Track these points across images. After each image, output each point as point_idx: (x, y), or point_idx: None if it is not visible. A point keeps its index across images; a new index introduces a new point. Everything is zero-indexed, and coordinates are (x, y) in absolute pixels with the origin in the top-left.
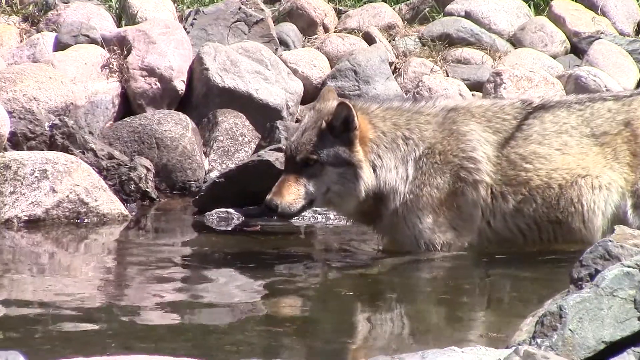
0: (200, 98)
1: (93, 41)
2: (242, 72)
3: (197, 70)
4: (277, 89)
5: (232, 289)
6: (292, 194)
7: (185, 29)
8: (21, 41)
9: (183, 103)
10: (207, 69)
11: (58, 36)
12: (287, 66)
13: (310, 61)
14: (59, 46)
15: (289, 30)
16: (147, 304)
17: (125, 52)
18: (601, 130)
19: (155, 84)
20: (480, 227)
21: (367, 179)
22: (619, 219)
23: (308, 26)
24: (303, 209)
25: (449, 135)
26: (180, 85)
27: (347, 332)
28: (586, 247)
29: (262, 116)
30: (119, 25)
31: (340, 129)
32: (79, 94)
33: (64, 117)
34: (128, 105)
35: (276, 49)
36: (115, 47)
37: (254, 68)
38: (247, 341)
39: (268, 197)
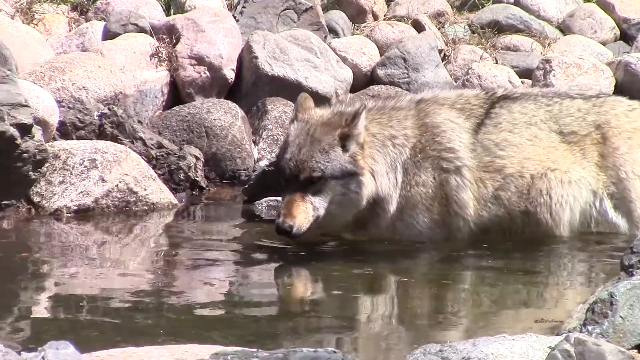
0: (250, 86)
1: (142, 30)
2: (292, 60)
3: (246, 59)
4: (326, 77)
5: (283, 276)
6: (302, 213)
7: (235, 17)
8: (70, 30)
9: (232, 92)
10: (256, 57)
11: (107, 25)
12: (337, 54)
13: (360, 49)
14: (108, 35)
15: (338, 18)
16: (197, 293)
17: (174, 41)
18: (570, 129)
19: (205, 73)
20: (471, 214)
21: (369, 186)
22: (595, 217)
23: (357, 14)
24: (311, 226)
25: (425, 130)
26: (230, 74)
27: (398, 320)
28: (552, 240)
29: None
30: (167, 14)
31: (356, 137)
32: (127, 83)
33: (113, 106)
34: (177, 94)
35: (325, 37)
36: (164, 36)
37: (303, 56)
38: (298, 328)
39: (279, 219)
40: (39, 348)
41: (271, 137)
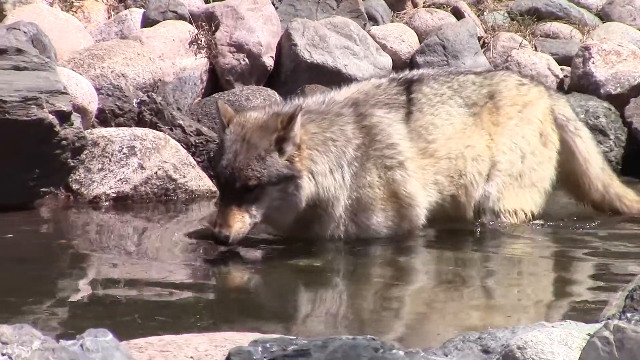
0: (289, 74)
1: (181, 17)
2: (331, 48)
3: (285, 46)
4: (365, 64)
5: (326, 264)
6: (239, 222)
7: (274, 5)
8: (109, 17)
9: (271, 79)
10: (295, 45)
11: (146, 12)
12: (376, 41)
13: (399, 36)
14: (147, 22)
15: (378, 5)
16: (236, 281)
17: (214, 28)
18: (471, 101)
19: (244, 60)
20: (423, 199)
21: (307, 189)
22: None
23: (397, 1)
24: (249, 232)
25: (367, 133)
26: (269, 61)
27: (438, 309)
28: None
29: None
30: (206, 1)
31: (293, 139)
32: (167, 70)
33: (152, 94)
34: (216, 81)
35: (365, 24)
36: (203, 23)
37: (342, 43)
38: (336, 315)
39: (215, 229)
40: (78, 335)
41: None
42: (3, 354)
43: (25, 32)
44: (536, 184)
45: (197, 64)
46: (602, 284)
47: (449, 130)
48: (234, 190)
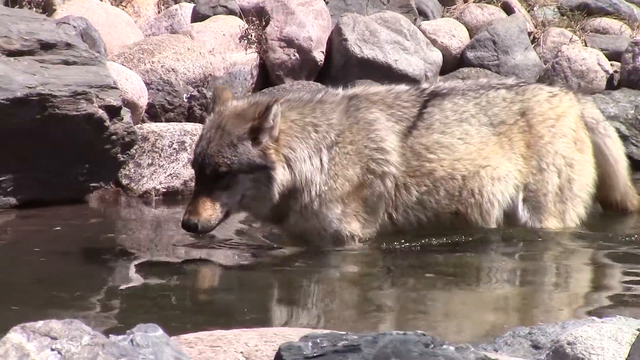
0: (339, 69)
1: (231, 12)
2: (381, 43)
3: (335, 41)
4: (416, 59)
5: (378, 261)
6: (209, 209)
7: (325, 0)
8: (159, 12)
9: (322, 74)
10: (345, 40)
11: (196, 7)
12: (426, 36)
13: (450, 31)
14: (197, 17)
15: (428, 0)
16: (285, 276)
17: (264, 23)
18: (499, 120)
19: (294, 55)
20: (381, 219)
21: (281, 179)
22: (508, 211)
23: None
24: (221, 221)
25: (355, 122)
26: (319, 56)
27: (488, 305)
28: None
29: None
30: None
31: (269, 131)
32: (217, 65)
33: (202, 89)
34: (266, 76)
35: (415, 19)
36: (253, 18)
37: (392, 38)
38: (382, 309)
39: (185, 217)
40: (127, 331)
41: None
42: (52, 349)
43: (74, 27)
44: (579, 193)
45: (247, 59)
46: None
47: (460, 151)
48: (205, 177)
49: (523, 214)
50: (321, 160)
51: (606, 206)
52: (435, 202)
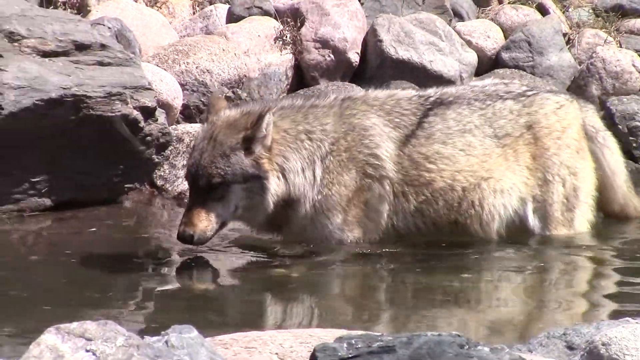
0: (374, 70)
1: (266, 13)
2: (416, 44)
3: (371, 42)
4: (451, 60)
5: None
6: (204, 221)
7: (360, 1)
8: (194, 13)
9: (357, 75)
10: (381, 41)
11: (231, 8)
12: (461, 37)
13: (485, 32)
14: (232, 18)
15: (463, 1)
16: (321, 277)
17: (299, 24)
18: (504, 132)
19: (329, 56)
20: (384, 222)
21: (275, 189)
22: (515, 223)
23: None
24: (217, 231)
25: (351, 129)
26: (355, 57)
27: (521, 307)
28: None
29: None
30: None
31: (261, 140)
32: (252, 65)
33: (237, 90)
34: (301, 77)
35: (450, 21)
36: (288, 19)
37: (427, 39)
38: (421, 311)
39: (180, 228)
40: (162, 332)
41: None
42: (87, 350)
43: (109, 28)
44: (585, 200)
45: (282, 60)
46: None
47: (461, 162)
48: (199, 188)
49: (534, 224)
50: (314, 173)
51: (607, 214)
52: (434, 211)
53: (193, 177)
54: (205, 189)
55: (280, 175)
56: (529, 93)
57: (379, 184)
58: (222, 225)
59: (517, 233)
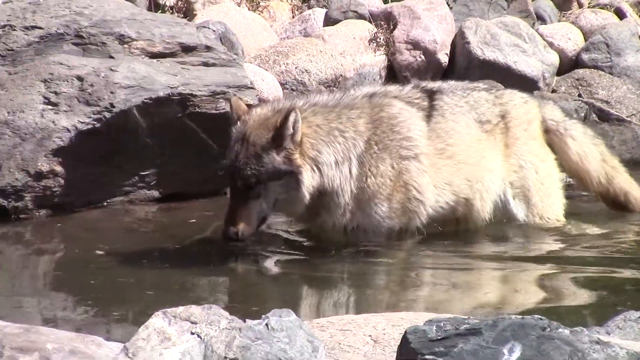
0: (462, 70)
1: (361, 17)
2: (502, 45)
3: (459, 44)
4: (534, 61)
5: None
6: (245, 218)
7: (448, 5)
8: (293, 17)
9: (446, 75)
10: (468, 43)
11: (328, 12)
12: (544, 39)
13: (565, 35)
14: (329, 21)
15: (546, 5)
16: (407, 269)
17: (392, 27)
18: (485, 118)
19: (420, 57)
20: (432, 197)
21: (310, 182)
22: (500, 208)
23: (563, 2)
24: (259, 227)
25: (381, 124)
26: (444, 58)
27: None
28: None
29: (520, 86)
30: (385, 1)
31: (290, 137)
32: (347, 66)
33: (334, 89)
34: (394, 77)
35: (533, 24)
36: (381, 22)
37: (512, 41)
38: (504, 297)
39: (225, 228)
40: (263, 315)
41: None
42: (192, 333)
43: (214, 31)
44: (557, 187)
45: (376, 61)
46: None
47: (468, 139)
48: (238, 188)
49: (517, 210)
50: (350, 170)
51: (605, 202)
52: (457, 184)
53: (231, 177)
54: (244, 189)
55: (315, 168)
56: (498, 88)
57: (415, 161)
58: (264, 220)
59: (502, 219)
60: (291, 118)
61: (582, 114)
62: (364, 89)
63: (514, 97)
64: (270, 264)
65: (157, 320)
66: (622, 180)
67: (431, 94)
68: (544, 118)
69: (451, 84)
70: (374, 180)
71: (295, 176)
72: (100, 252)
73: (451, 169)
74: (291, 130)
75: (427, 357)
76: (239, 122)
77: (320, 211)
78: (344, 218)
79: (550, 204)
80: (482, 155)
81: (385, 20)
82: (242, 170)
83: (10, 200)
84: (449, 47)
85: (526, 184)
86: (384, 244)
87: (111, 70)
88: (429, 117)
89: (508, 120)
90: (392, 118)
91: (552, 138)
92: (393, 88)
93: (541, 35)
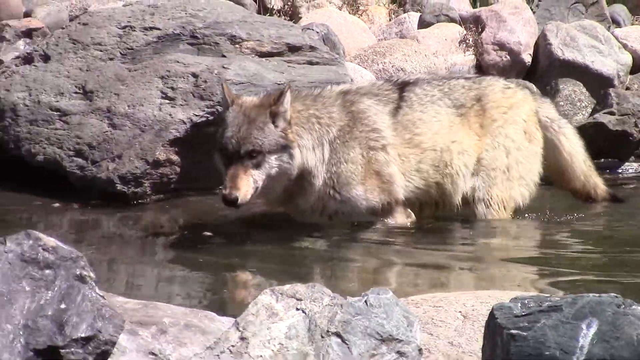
0: (544, 69)
1: (452, 20)
2: (580, 47)
3: (541, 45)
4: (609, 61)
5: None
6: (245, 185)
7: (532, 10)
8: (390, 20)
9: (529, 74)
10: (550, 44)
11: (422, 16)
12: (618, 41)
13: (638, 37)
14: (423, 24)
15: (620, 10)
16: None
17: (480, 29)
18: (459, 103)
19: (505, 57)
20: (402, 183)
21: (298, 158)
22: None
23: (635, 6)
24: (251, 197)
25: (352, 117)
26: (527, 58)
27: None
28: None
29: (597, 85)
30: (474, 6)
31: (283, 114)
32: (439, 65)
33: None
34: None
35: (609, 27)
36: (470, 25)
37: (589, 43)
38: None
39: (225, 191)
40: (362, 293)
41: (562, 112)
42: (297, 309)
43: (317, 32)
44: (524, 176)
45: (465, 60)
46: None
47: (436, 126)
48: (239, 157)
49: (478, 184)
50: (323, 153)
51: (574, 194)
52: (426, 170)
53: (233, 147)
54: (245, 158)
55: (298, 148)
56: (479, 76)
57: (383, 152)
58: (255, 191)
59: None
60: (286, 95)
61: None
62: (340, 86)
63: (494, 83)
64: (367, 251)
65: (265, 297)
66: (595, 176)
67: (402, 87)
68: (537, 112)
69: (432, 75)
70: (346, 166)
71: (289, 151)
72: (209, 234)
73: (417, 157)
74: (285, 107)
75: (512, 331)
76: (234, 105)
77: (295, 196)
78: (319, 202)
79: (510, 187)
80: (453, 139)
81: (474, 23)
82: (246, 139)
83: (130, 186)
84: (532, 48)
85: (492, 164)
86: (376, 222)
87: (223, 67)
88: (397, 109)
89: (485, 103)
90: (360, 112)
91: (545, 134)
92: (365, 84)
93: (616, 38)
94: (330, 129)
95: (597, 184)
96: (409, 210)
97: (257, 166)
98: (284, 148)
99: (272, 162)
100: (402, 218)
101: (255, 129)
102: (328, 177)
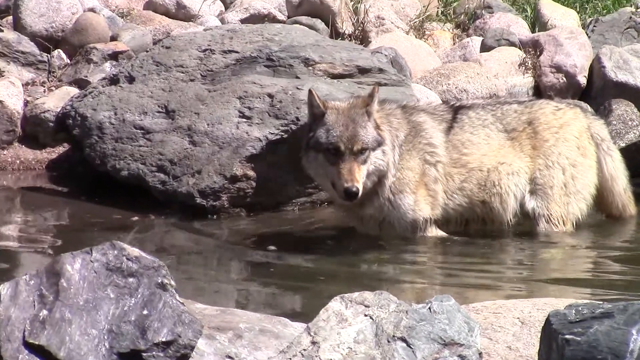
0: (598, 91)
1: (512, 44)
2: (632, 69)
3: (595, 68)
4: None
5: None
6: (361, 178)
7: (587, 34)
8: (454, 44)
9: (584, 94)
10: (604, 67)
11: (484, 40)
12: None
13: None
14: (485, 48)
15: None
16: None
17: (538, 53)
18: (511, 127)
19: (562, 79)
20: (440, 202)
21: (389, 155)
22: (521, 201)
23: None
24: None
25: (412, 126)
26: (583, 80)
27: None
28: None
29: None
30: (532, 31)
31: (374, 114)
32: (500, 86)
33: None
34: (540, 96)
35: None
36: (529, 49)
37: None
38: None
39: (348, 184)
40: (426, 300)
41: (614, 130)
42: (365, 315)
43: (385, 55)
44: (581, 190)
45: (524, 82)
46: None
47: (484, 148)
48: (352, 154)
49: (529, 203)
50: (394, 155)
51: (605, 215)
52: (470, 189)
53: (345, 144)
54: (356, 154)
55: (387, 146)
56: (532, 100)
57: (434, 168)
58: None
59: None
60: (376, 96)
61: None
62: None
63: (545, 106)
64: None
65: (335, 304)
66: (632, 208)
67: (457, 109)
68: (589, 127)
69: (487, 101)
70: (406, 172)
71: (382, 147)
72: (273, 248)
73: (462, 176)
74: (375, 107)
75: (566, 336)
76: (328, 109)
77: (372, 198)
78: (381, 209)
79: (567, 202)
80: (502, 161)
81: (533, 47)
82: (355, 137)
83: (208, 200)
84: (587, 70)
85: (549, 182)
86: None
87: (297, 88)
88: (449, 129)
89: (536, 125)
90: (418, 124)
91: (594, 151)
92: (421, 103)
93: None
94: (399, 134)
95: (631, 212)
96: (440, 230)
97: (364, 162)
98: (380, 144)
99: (373, 158)
100: (432, 234)
101: (359, 127)
102: (393, 180)
